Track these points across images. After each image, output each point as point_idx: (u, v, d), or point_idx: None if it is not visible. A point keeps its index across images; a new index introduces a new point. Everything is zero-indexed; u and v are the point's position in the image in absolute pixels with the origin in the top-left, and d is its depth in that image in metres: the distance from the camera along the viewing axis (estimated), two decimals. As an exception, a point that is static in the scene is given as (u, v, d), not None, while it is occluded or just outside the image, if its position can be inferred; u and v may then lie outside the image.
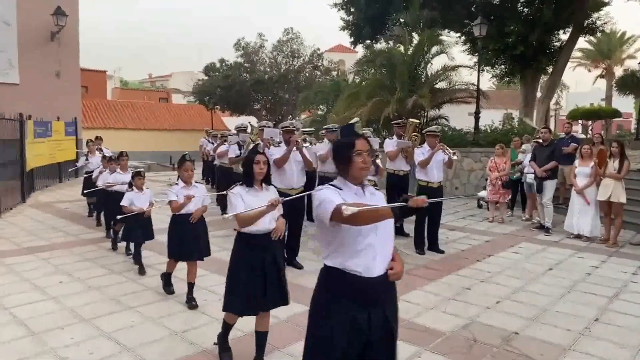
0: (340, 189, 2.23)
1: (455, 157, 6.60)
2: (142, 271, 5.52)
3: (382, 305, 2.21)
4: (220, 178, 9.42)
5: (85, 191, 8.18)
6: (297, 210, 5.91)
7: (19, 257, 6.19)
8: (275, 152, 5.72)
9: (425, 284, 5.28)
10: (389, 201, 7.64)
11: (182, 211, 4.40)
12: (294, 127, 5.82)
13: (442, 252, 6.62)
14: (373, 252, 2.16)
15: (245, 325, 3.69)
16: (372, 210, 2.04)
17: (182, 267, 4.72)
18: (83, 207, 9.58)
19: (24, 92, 14.57)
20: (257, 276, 3.18)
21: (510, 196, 9.14)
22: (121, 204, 5.52)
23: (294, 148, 5.62)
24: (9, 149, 9.90)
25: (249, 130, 8.78)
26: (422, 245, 6.64)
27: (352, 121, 2.33)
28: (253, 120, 22.54)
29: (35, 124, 12.00)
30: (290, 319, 4.19)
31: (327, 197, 2.14)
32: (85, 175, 8.92)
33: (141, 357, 3.49)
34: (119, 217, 5.52)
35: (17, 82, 15.11)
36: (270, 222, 3.23)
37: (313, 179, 8.07)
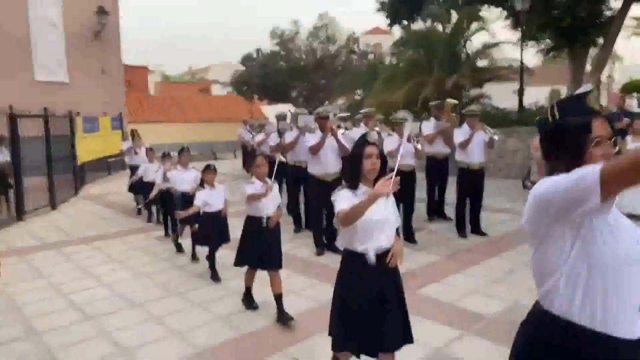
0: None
1: (496, 137, 6.40)
2: (216, 277, 4.97)
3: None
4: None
5: (151, 194, 7.04)
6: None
7: (75, 247, 6.56)
8: (311, 139, 5.75)
9: (468, 267, 5.18)
10: (428, 184, 7.46)
11: (257, 214, 3.95)
12: (329, 113, 5.81)
13: (485, 234, 6.47)
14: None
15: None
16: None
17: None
18: (131, 198, 9.98)
19: (72, 90, 15.29)
20: (375, 310, 2.44)
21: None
22: (195, 203, 4.92)
23: (329, 134, 5.63)
24: (61, 144, 10.43)
25: (288, 118, 8.84)
26: (464, 228, 6.51)
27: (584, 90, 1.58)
28: (291, 107, 22.67)
29: (84, 120, 12.57)
30: (315, 310, 4.23)
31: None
32: (136, 172, 8.25)
33: (189, 341, 3.64)
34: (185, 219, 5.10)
35: (66, 80, 15.84)
36: (389, 239, 2.51)
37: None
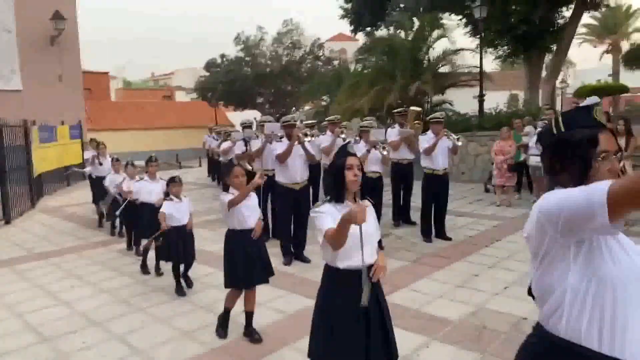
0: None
1: (459, 143, 6.56)
2: (181, 291, 4.86)
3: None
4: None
5: (119, 206, 7.10)
6: (303, 202, 5.92)
7: (31, 263, 6.26)
8: (278, 147, 5.72)
9: (433, 272, 5.26)
10: (393, 189, 7.50)
11: (239, 227, 3.76)
12: (295, 121, 5.81)
13: (449, 239, 6.59)
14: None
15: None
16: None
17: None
18: (92, 210, 9.65)
19: (27, 98, 14.69)
20: (358, 326, 2.36)
21: (516, 179, 9.09)
22: (162, 211, 4.75)
23: (296, 142, 5.62)
24: (15, 155, 9.99)
25: (254, 126, 8.77)
26: (429, 233, 6.62)
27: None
28: (257, 114, 22.56)
29: (40, 129, 12.06)
30: (297, 313, 4.22)
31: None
32: (101, 182, 7.89)
33: (152, 359, 3.53)
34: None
35: (19, 88, 15.21)
36: (372, 255, 2.43)
37: (317, 171, 8.07)
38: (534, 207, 1.47)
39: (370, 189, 6.10)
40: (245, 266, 3.67)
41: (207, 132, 14.85)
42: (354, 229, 2.23)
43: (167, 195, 4.88)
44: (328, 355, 2.39)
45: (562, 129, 1.51)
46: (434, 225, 6.69)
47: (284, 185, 5.83)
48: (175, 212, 4.77)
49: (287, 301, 4.55)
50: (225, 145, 9.27)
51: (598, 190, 1.25)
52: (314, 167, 7.32)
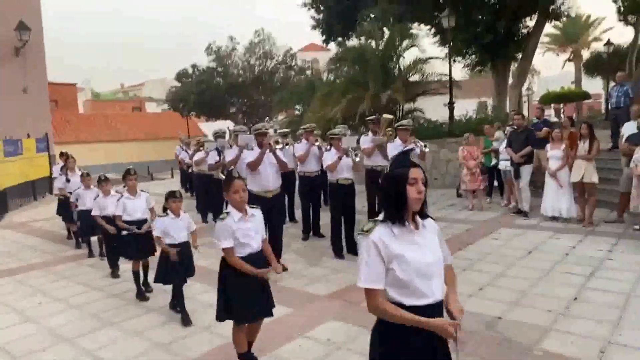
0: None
1: (426, 149, 6.69)
2: (188, 321, 4.30)
3: None
4: (198, 186, 9.34)
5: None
6: (276, 210, 5.90)
7: (-5, 281, 6.03)
8: (249, 156, 5.70)
9: (409, 277, 5.31)
10: (368, 195, 7.48)
11: (243, 253, 3.20)
12: (267, 129, 5.80)
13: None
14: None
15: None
16: None
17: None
18: (59, 225, 9.35)
19: (-10, 111, 14.21)
20: None
21: (487, 183, 9.29)
22: (154, 234, 4.48)
23: (267, 150, 5.61)
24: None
25: (227, 136, 8.72)
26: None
27: None
28: (230, 124, 22.44)
29: (5, 142, 11.71)
30: (275, 321, 4.18)
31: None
32: (64, 198, 7.61)
33: (125, 373, 3.44)
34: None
35: (-18, 101, 14.72)
36: (442, 286, 1.97)
37: (291, 180, 8.08)
38: None
39: (344, 194, 6.15)
40: (241, 299, 3.16)
41: (179, 144, 14.66)
42: (419, 257, 1.87)
43: (164, 210, 4.47)
44: None
45: None
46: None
47: (256, 194, 5.78)
48: (171, 230, 4.38)
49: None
50: (199, 155, 9.18)
51: None
52: (288, 175, 7.33)
